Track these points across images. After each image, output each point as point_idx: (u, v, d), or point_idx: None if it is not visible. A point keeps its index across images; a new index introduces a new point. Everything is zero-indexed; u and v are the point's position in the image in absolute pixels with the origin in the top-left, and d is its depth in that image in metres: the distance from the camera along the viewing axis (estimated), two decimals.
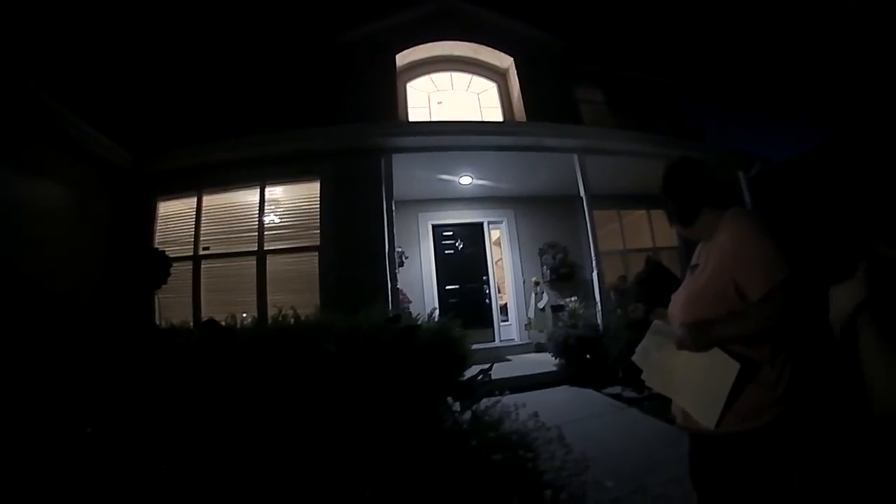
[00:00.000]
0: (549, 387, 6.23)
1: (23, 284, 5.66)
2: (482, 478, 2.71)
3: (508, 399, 3.78)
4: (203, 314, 6.91)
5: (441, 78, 11.30)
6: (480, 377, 4.17)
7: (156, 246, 7.34)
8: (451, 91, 11.29)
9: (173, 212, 7.85)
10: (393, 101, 9.96)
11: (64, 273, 6.42)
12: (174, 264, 7.22)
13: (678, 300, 1.86)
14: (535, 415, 3.63)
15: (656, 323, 1.95)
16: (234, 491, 2.43)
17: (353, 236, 7.09)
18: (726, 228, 1.71)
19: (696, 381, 1.69)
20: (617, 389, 5.88)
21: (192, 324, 6.13)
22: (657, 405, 4.94)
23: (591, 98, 12.57)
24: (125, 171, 7.62)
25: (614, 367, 6.14)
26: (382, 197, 7.13)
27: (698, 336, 1.64)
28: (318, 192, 7.39)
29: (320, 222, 7.27)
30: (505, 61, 11.46)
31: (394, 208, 7.17)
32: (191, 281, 7.23)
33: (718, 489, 1.71)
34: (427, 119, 10.01)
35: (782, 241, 1.63)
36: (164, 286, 7.04)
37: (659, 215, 11.22)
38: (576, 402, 5.47)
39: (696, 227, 1.85)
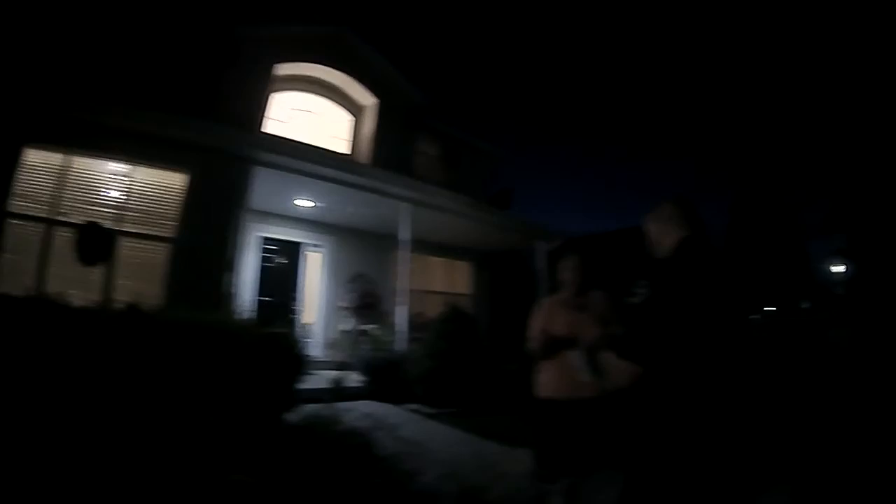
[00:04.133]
0: (356, 399, 7.26)
1: None
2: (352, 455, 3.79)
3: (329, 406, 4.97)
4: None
5: (307, 98, 12.09)
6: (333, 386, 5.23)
7: None
8: (312, 114, 12.14)
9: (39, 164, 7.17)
10: (262, 110, 10.51)
11: None
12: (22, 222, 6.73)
13: (590, 323, 3.06)
14: (368, 416, 4.77)
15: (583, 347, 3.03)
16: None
17: (207, 236, 7.36)
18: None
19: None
20: (414, 406, 7.39)
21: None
22: (451, 419, 6.60)
23: (429, 152, 14.47)
24: None
25: (413, 386, 7.66)
26: (239, 203, 7.63)
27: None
28: (183, 184, 7.48)
29: (179, 215, 7.39)
30: (369, 100, 12.65)
31: (243, 217, 7.75)
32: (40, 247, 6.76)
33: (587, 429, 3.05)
34: (283, 134, 10.53)
35: None
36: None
37: (458, 265, 14.05)
38: (385, 412, 6.76)
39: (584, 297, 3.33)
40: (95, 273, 6.75)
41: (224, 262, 7.38)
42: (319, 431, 4.52)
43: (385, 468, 3.95)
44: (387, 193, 9.37)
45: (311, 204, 9.75)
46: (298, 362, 5.77)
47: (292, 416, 5.06)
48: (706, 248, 2.06)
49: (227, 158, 7.57)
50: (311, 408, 5.30)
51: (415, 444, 4.88)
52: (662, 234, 2.19)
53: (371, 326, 9.99)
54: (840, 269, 44.93)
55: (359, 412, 6.04)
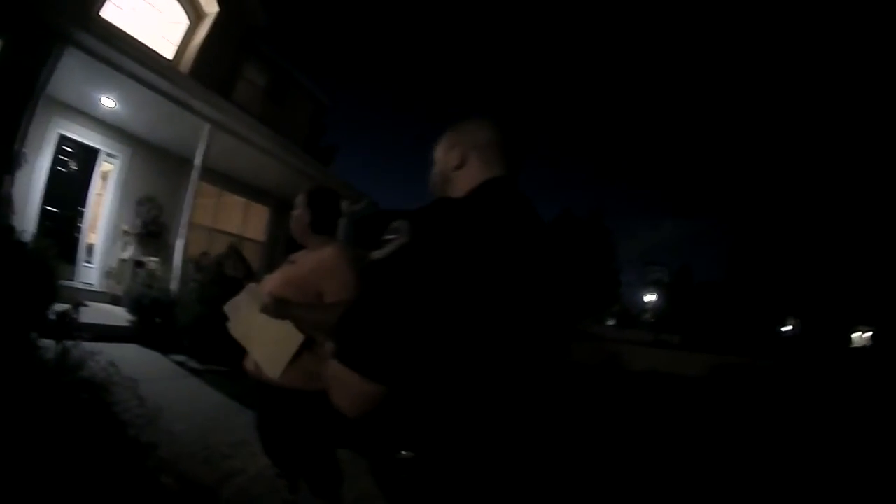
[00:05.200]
0: (119, 342, 6.38)
1: None
2: (73, 414, 3.12)
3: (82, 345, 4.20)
4: None
5: None
6: (71, 317, 4.38)
7: None
8: (152, 6, 10.61)
9: None
10: None
11: None
12: None
13: (274, 278, 2.45)
14: (113, 364, 4.13)
15: (252, 285, 2.42)
16: None
17: None
18: (332, 252, 2.35)
19: (269, 340, 2.25)
20: (182, 358, 6.57)
21: None
22: (217, 379, 5.87)
23: (254, 80, 13.46)
24: None
25: (182, 335, 6.80)
26: (36, 87, 6.46)
27: (280, 308, 2.20)
28: None
29: None
30: (211, 7, 11.42)
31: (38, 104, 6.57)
32: None
33: (279, 435, 2.39)
34: (114, 20, 9.12)
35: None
36: None
37: (255, 208, 13.07)
38: (145, 362, 5.98)
39: (315, 239, 2.49)
40: None
41: (9, 157, 6.24)
42: (50, 379, 3.85)
43: (107, 441, 3.20)
44: (190, 108, 8.40)
45: (114, 104, 8.45)
46: (48, 289, 4.89)
47: (30, 357, 4.25)
48: (525, 206, 1.24)
49: (38, 30, 6.32)
50: (58, 346, 4.47)
51: (162, 408, 4.29)
52: (460, 166, 1.32)
53: (151, 259, 9.00)
54: (652, 297, 49.87)
55: (113, 358, 5.27)
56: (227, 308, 2.45)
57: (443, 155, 1.39)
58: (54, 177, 8.73)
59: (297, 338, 2.21)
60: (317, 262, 2.36)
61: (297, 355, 2.22)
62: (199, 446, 3.78)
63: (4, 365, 3.39)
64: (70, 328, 4.26)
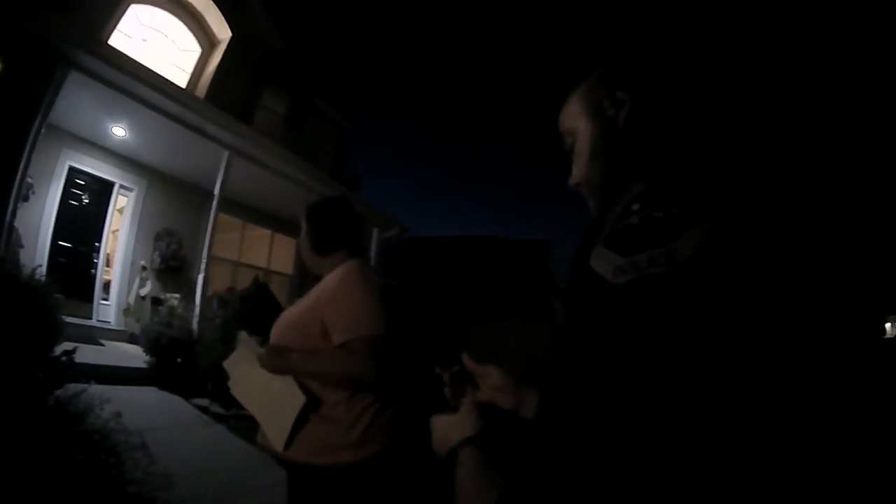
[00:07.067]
0: (136, 384, 5.88)
1: None
2: (66, 479, 2.48)
3: (94, 390, 3.54)
4: None
5: (164, 17, 10.12)
6: (65, 358, 3.74)
7: None
8: (163, 35, 10.19)
9: None
10: (114, 18, 8.71)
11: None
12: None
13: (280, 322, 1.91)
14: (119, 415, 3.49)
15: (243, 334, 1.99)
16: None
17: None
18: (339, 271, 1.81)
19: (270, 403, 1.75)
20: (205, 402, 5.94)
21: None
22: (244, 425, 5.12)
23: (273, 107, 12.87)
24: None
25: (204, 378, 6.20)
26: (39, 111, 5.97)
27: (276, 359, 1.72)
28: None
29: None
30: (224, 34, 10.96)
31: (42, 130, 6.07)
32: None
33: None
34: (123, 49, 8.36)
35: (387, 305, 1.75)
36: None
37: (281, 240, 12.37)
38: (163, 408, 5.41)
39: (325, 262, 1.93)
40: None
41: (11, 188, 5.77)
42: (54, 431, 3.20)
43: None
44: (205, 133, 7.91)
45: (125, 133, 8.05)
46: (49, 326, 4.20)
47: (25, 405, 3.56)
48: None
49: (40, 54, 5.93)
50: (71, 389, 3.50)
51: (175, 466, 3.45)
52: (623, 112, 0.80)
53: (172, 296, 8.50)
54: None
55: (129, 403, 4.61)
56: (227, 364, 2.00)
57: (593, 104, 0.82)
58: (67, 210, 8.29)
59: (297, 400, 1.67)
60: (320, 289, 1.82)
61: (304, 421, 1.67)
62: None
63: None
64: (68, 371, 3.62)
